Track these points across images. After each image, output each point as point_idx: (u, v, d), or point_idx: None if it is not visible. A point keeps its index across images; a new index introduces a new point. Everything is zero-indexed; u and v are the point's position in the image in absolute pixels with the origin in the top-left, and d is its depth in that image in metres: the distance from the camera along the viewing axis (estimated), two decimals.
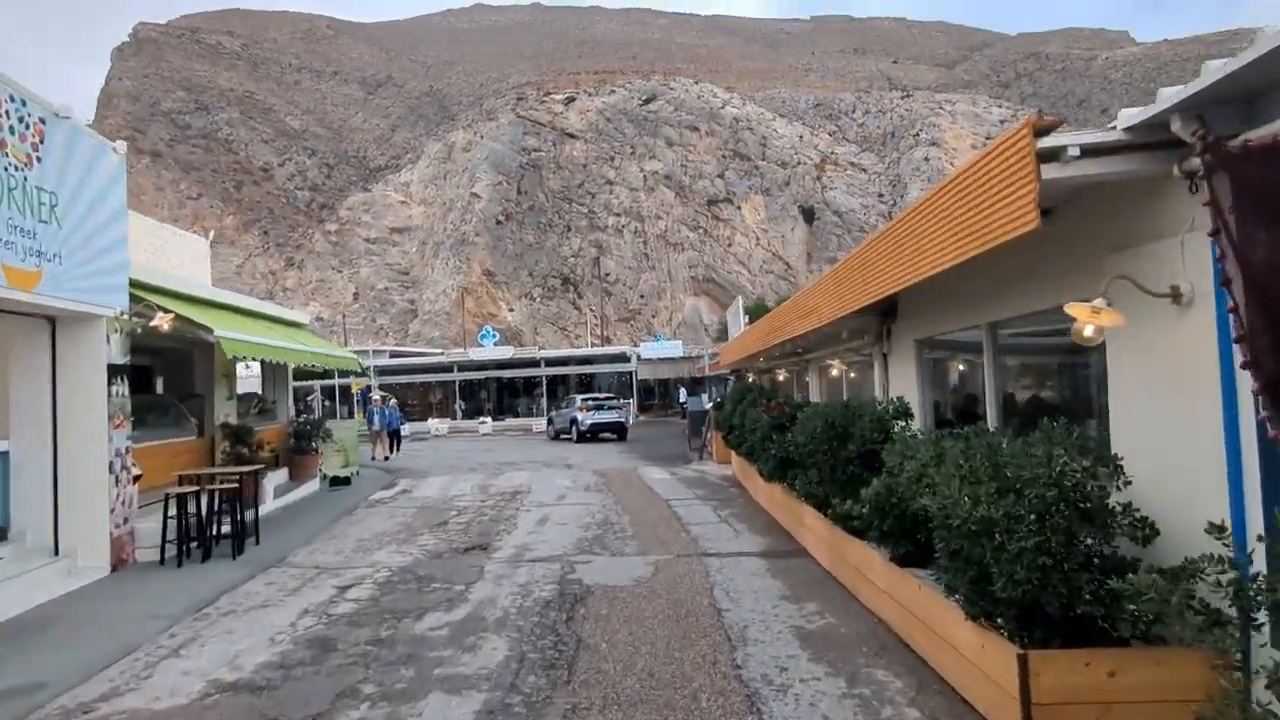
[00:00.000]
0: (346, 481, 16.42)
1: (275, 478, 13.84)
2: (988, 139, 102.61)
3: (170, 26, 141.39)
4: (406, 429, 35.81)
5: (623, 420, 28.28)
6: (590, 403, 28.43)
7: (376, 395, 22.45)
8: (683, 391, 34.29)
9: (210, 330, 9.43)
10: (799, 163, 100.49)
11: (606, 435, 27.93)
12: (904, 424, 6.98)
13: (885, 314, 8.98)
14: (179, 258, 14.98)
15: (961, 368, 8.32)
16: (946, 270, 5.01)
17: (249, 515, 9.82)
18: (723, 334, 51.69)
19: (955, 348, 8.54)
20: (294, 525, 11.32)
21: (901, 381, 8.71)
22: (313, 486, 15.52)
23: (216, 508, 9.17)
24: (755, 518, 10.97)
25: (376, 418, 22.25)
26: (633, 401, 38.62)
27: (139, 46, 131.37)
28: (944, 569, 4.46)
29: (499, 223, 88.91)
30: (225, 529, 9.15)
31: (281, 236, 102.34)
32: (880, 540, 5.99)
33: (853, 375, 10.45)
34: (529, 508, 12.61)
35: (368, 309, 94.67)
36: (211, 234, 20.18)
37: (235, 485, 9.16)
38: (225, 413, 12.66)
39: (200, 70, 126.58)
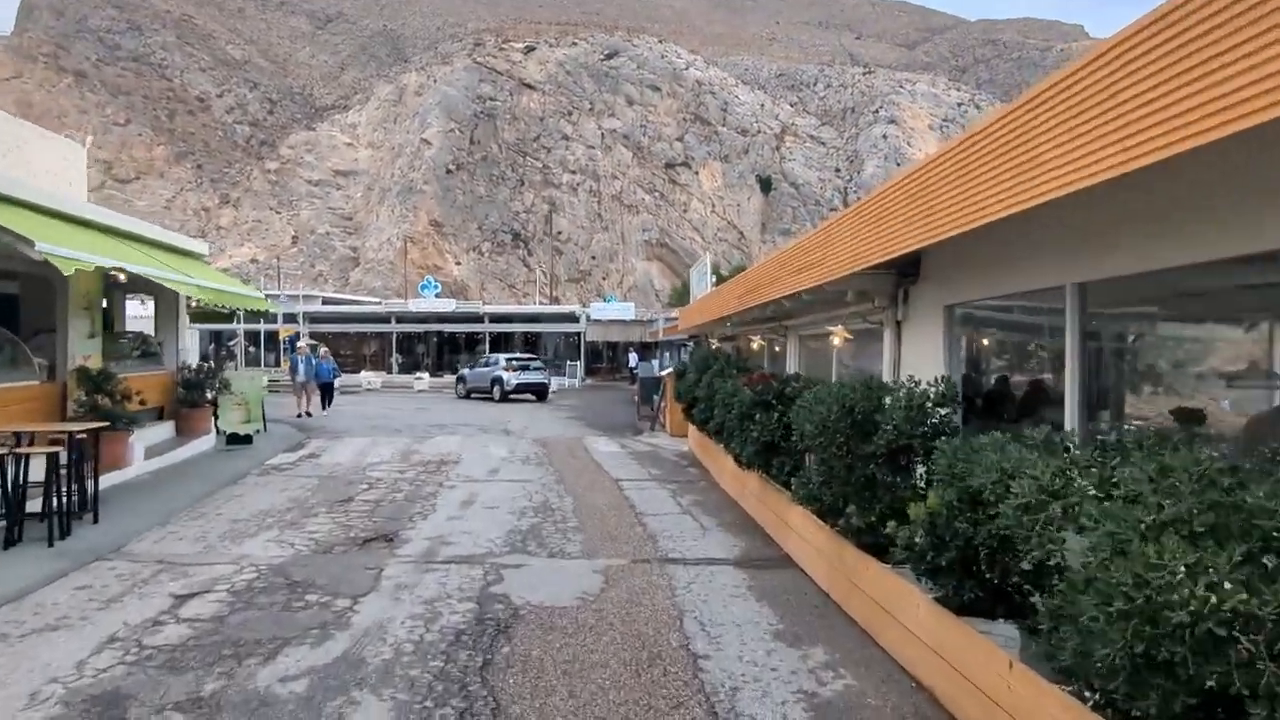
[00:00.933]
0: (247, 440, 14.14)
1: (152, 434, 11.56)
2: (945, 121, 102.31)
3: None
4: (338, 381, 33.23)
5: (545, 382, 28.28)
6: (515, 363, 28.04)
7: (303, 343, 19.94)
8: (633, 356, 32.44)
9: (31, 243, 7.10)
10: (759, 131, 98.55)
11: (527, 396, 27.70)
12: (947, 412, 5.20)
13: (903, 273, 7.19)
14: (44, 164, 12.35)
15: (1006, 343, 6.58)
16: (1054, 201, 3.22)
17: (91, 485, 7.63)
18: (678, 299, 49.86)
19: (1003, 323, 6.81)
20: (157, 497, 9.13)
21: (920, 358, 6.95)
22: (204, 445, 13.24)
23: (52, 474, 6.96)
24: (724, 510, 9.21)
25: (301, 367, 19.84)
26: (580, 364, 36.67)
27: None
28: (1104, 672, 2.65)
29: (449, 172, 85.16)
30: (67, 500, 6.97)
31: (217, 172, 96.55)
32: (931, 575, 4.21)
33: (846, 346, 8.69)
34: (455, 483, 10.62)
35: (307, 254, 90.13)
36: (89, 139, 17.32)
37: (57, 448, 6.92)
38: (84, 354, 10.28)
39: None
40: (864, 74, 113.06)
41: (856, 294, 7.73)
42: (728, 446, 9.59)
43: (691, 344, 21.32)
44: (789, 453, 7.51)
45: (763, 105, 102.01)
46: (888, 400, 5.47)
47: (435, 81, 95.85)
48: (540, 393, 27.97)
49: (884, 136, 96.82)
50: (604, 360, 42.20)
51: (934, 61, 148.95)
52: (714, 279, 15.55)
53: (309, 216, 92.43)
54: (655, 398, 20.98)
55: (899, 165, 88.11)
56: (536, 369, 28.52)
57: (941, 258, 6.57)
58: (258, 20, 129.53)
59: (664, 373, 17.71)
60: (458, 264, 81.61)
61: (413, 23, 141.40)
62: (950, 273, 6.54)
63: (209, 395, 13.81)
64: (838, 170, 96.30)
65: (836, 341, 7.96)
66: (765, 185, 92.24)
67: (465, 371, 29.90)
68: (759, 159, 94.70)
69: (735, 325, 14.09)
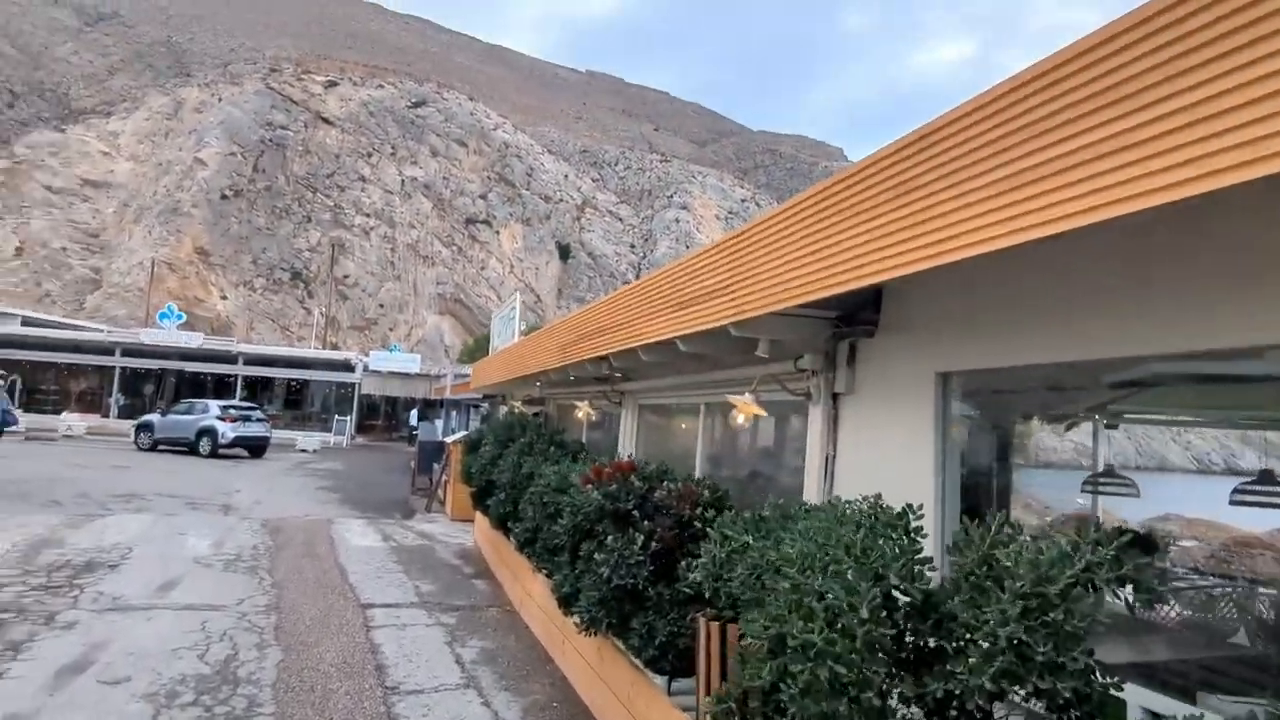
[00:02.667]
0: None
1: None
2: (730, 214, 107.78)
3: None
4: (20, 424, 25.48)
5: (266, 436, 23.57)
6: (234, 411, 22.87)
7: None
8: (413, 415, 27.77)
9: None
10: (561, 200, 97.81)
11: (239, 452, 22.77)
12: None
13: (846, 318, 4.31)
14: None
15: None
16: None
17: None
18: (470, 357, 45.54)
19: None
20: None
21: (879, 454, 4.04)
22: None
23: None
24: (532, 674, 5.65)
25: None
26: (351, 419, 31.16)
27: None
28: None
29: (225, 198, 75.32)
30: None
31: None
32: None
33: (734, 425, 5.71)
34: (80, 614, 6.17)
35: (34, 269, 75.15)
36: None
37: None
38: None
39: None
40: (661, 161, 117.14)
41: (772, 348, 4.71)
42: (545, 571, 6.14)
43: (486, 405, 17.64)
44: (661, 610, 4.24)
45: (566, 176, 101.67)
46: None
47: (220, 100, 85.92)
48: (258, 449, 23.06)
49: (676, 220, 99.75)
50: (381, 416, 36.82)
51: (720, 160, 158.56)
52: (523, 327, 12.20)
53: (42, 228, 77.54)
54: (436, 467, 16.95)
55: (688, 248, 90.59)
56: (259, 420, 23.44)
57: (920, 295, 3.76)
58: (9, 4, 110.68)
59: (450, 439, 13.83)
60: (224, 298, 71.44)
61: (201, 39, 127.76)
62: (938, 322, 3.71)
63: None
64: (633, 246, 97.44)
65: (741, 419, 4.87)
66: (564, 253, 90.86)
67: (153, 418, 23.59)
68: (559, 226, 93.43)
69: (548, 386, 10.75)
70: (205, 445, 21.30)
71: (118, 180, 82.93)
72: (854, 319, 4.25)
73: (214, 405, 22.12)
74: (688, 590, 4.09)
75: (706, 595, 4.10)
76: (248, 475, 17.73)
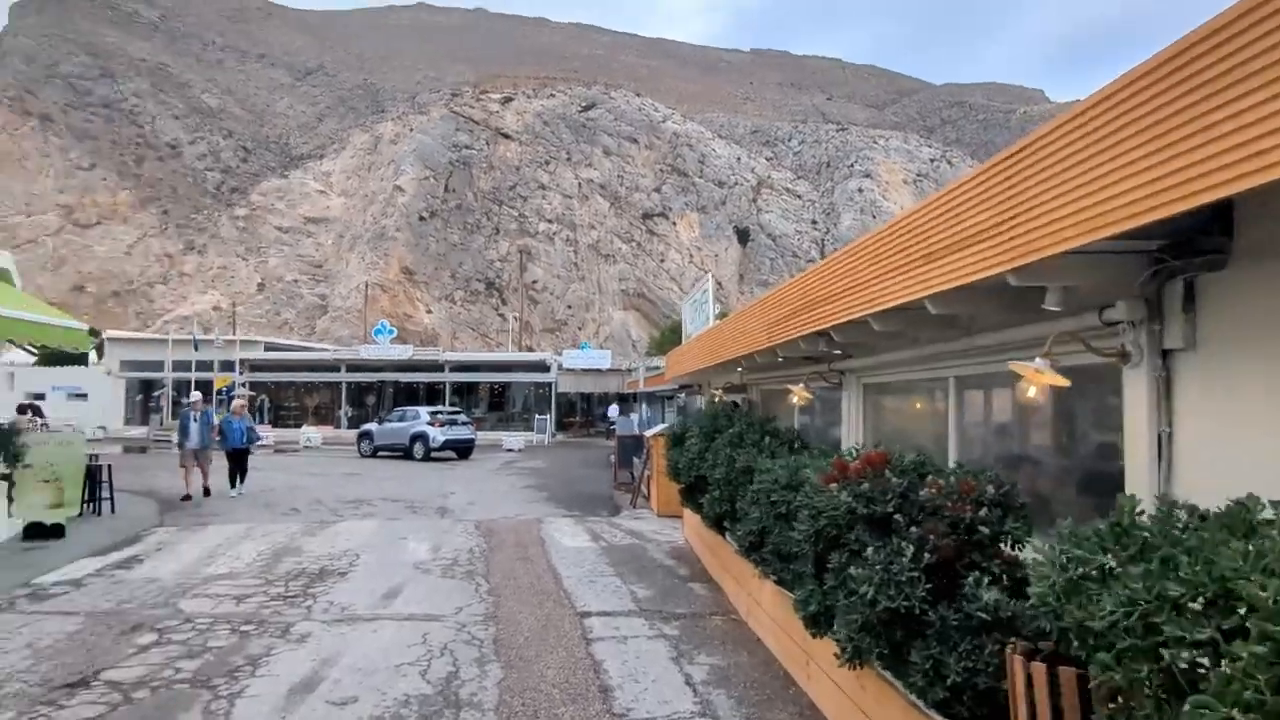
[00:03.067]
0: (56, 532, 9.61)
1: None
2: (919, 176, 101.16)
3: None
4: (269, 437, 28.55)
5: (472, 439, 24.98)
6: (441, 416, 24.26)
7: (196, 395, 15.08)
8: (612, 409, 28.08)
9: None
10: (736, 183, 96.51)
11: (449, 455, 24.22)
12: None
13: (1174, 248, 3.11)
14: None
15: None
16: None
17: None
18: (657, 349, 45.83)
19: None
20: None
21: (1252, 431, 2.82)
22: None
23: None
24: (774, 699, 4.90)
25: (193, 430, 13.81)
26: (551, 418, 32.20)
27: (41, 4, 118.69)
28: None
29: (423, 219, 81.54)
30: None
31: (183, 218, 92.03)
32: None
33: (1023, 400, 4.61)
34: (313, 626, 6.23)
35: (273, 301, 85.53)
36: None
37: None
38: None
39: (110, 37, 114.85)
40: (838, 130, 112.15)
41: (1061, 297, 3.59)
42: (773, 578, 5.36)
43: (683, 396, 17.17)
44: (946, 639, 3.31)
45: (739, 159, 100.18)
46: None
47: (411, 130, 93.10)
48: (465, 451, 24.29)
49: (859, 190, 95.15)
50: (578, 413, 37.83)
51: (902, 122, 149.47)
52: (717, 308, 11.50)
53: (277, 264, 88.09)
54: (636, 461, 16.71)
55: (875, 218, 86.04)
56: (464, 424, 24.82)
57: None
58: (236, 71, 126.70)
59: (648, 432, 13.45)
60: (429, 312, 77.42)
61: (392, 77, 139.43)
62: None
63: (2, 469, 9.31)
64: (814, 223, 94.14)
65: (1032, 391, 3.79)
66: (743, 236, 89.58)
67: (372, 426, 25.66)
68: (736, 210, 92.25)
69: (751, 370, 9.95)
70: (419, 450, 22.72)
71: (333, 215, 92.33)
72: (1187, 248, 3.07)
73: (424, 412, 23.58)
74: (982, 615, 3.16)
75: (1006, 618, 3.14)
76: (460, 477, 18.48)
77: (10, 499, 9.60)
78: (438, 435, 22.67)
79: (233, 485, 14.24)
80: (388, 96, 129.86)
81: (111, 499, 11.98)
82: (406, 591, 7.43)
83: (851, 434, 6.87)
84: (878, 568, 3.51)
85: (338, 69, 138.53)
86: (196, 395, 14.33)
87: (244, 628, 6.19)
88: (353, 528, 10.99)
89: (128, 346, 35.48)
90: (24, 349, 13.85)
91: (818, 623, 4.16)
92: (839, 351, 6.68)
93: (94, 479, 11.90)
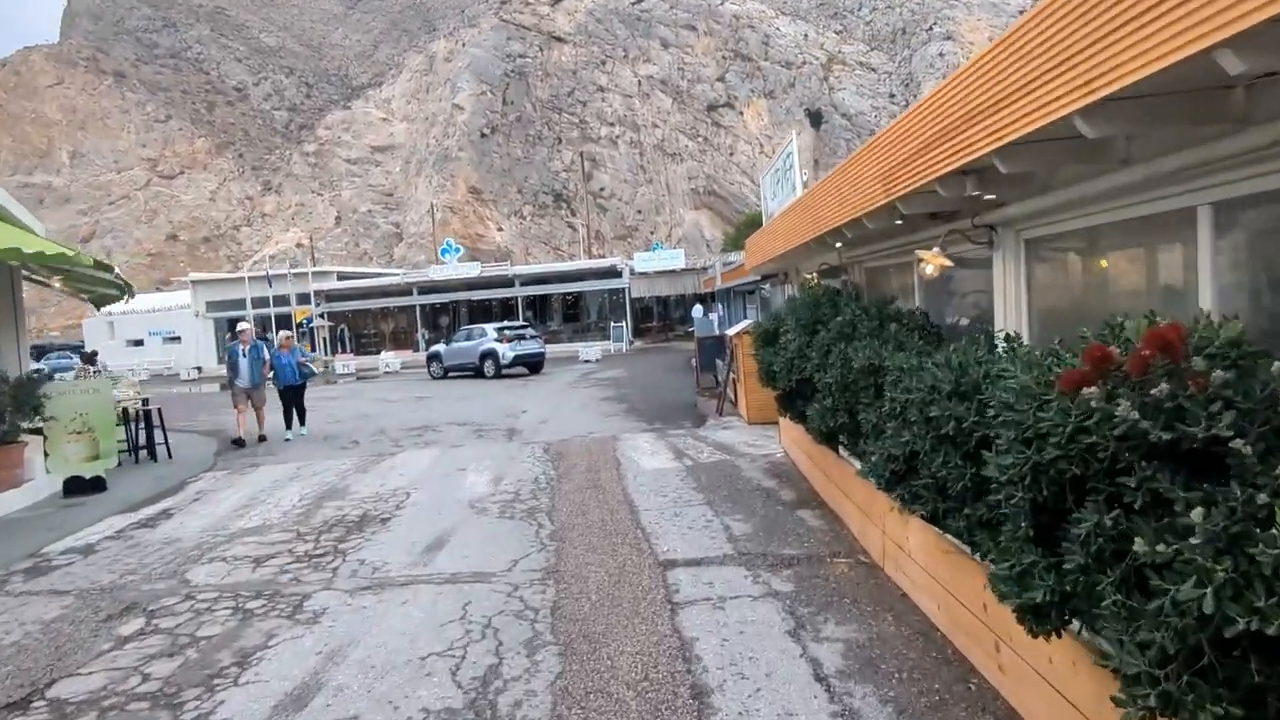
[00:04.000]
0: (96, 485, 8.76)
1: None
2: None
3: None
4: (351, 365, 28.15)
5: (542, 353, 23.68)
6: (509, 332, 22.94)
7: (245, 326, 13.08)
8: (696, 309, 26.29)
9: None
10: (804, 63, 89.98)
11: (521, 371, 23.03)
12: None
13: None
14: None
15: None
16: None
17: None
18: (733, 245, 43.42)
19: None
20: None
21: None
22: (16, 501, 7.92)
23: None
24: (951, 708, 3.28)
25: (243, 366, 12.19)
26: (626, 324, 30.66)
27: None
28: None
29: (484, 136, 79.57)
30: None
31: (258, 159, 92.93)
32: None
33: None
34: (337, 590, 4.94)
35: (350, 233, 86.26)
36: None
37: None
38: None
39: None
40: None
41: None
42: (921, 514, 3.66)
43: (767, 287, 15.23)
44: None
45: (806, 36, 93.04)
46: None
47: (464, 45, 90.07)
48: (535, 366, 23.15)
49: (940, 55, 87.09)
50: (655, 318, 36.22)
51: None
52: (805, 176, 9.44)
53: (350, 196, 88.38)
54: (720, 363, 15.05)
55: None
56: (533, 338, 23.51)
57: None
58: (289, 6, 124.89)
59: (730, 331, 11.66)
60: (499, 230, 76.44)
61: None
62: None
63: (25, 423, 8.41)
64: (892, 96, 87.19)
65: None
66: (815, 119, 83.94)
67: (440, 348, 24.54)
68: (806, 92, 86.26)
69: (853, 245, 7.97)
70: (489, 368, 21.69)
71: (398, 141, 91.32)
72: None
73: (490, 329, 22.44)
74: None
75: None
76: (534, 394, 17.26)
77: (46, 454, 8.75)
78: (506, 352, 21.52)
79: (288, 426, 12.58)
80: (438, 15, 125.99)
81: (166, 443, 11.18)
82: (454, 540, 6.09)
83: (1009, 313, 4.92)
84: (1216, 544, 1.73)
85: None
86: (244, 326, 12.94)
87: (250, 604, 4.93)
88: (410, 460, 9.80)
89: (211, 287, 35.67)
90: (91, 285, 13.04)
91: (1044, 615, 2.45)
92: (989, 197, 4.67)
93: (147, 424, 11.11)
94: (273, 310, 31.17)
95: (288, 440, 12.25)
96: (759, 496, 6.88)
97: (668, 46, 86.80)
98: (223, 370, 34.85)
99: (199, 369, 34.18)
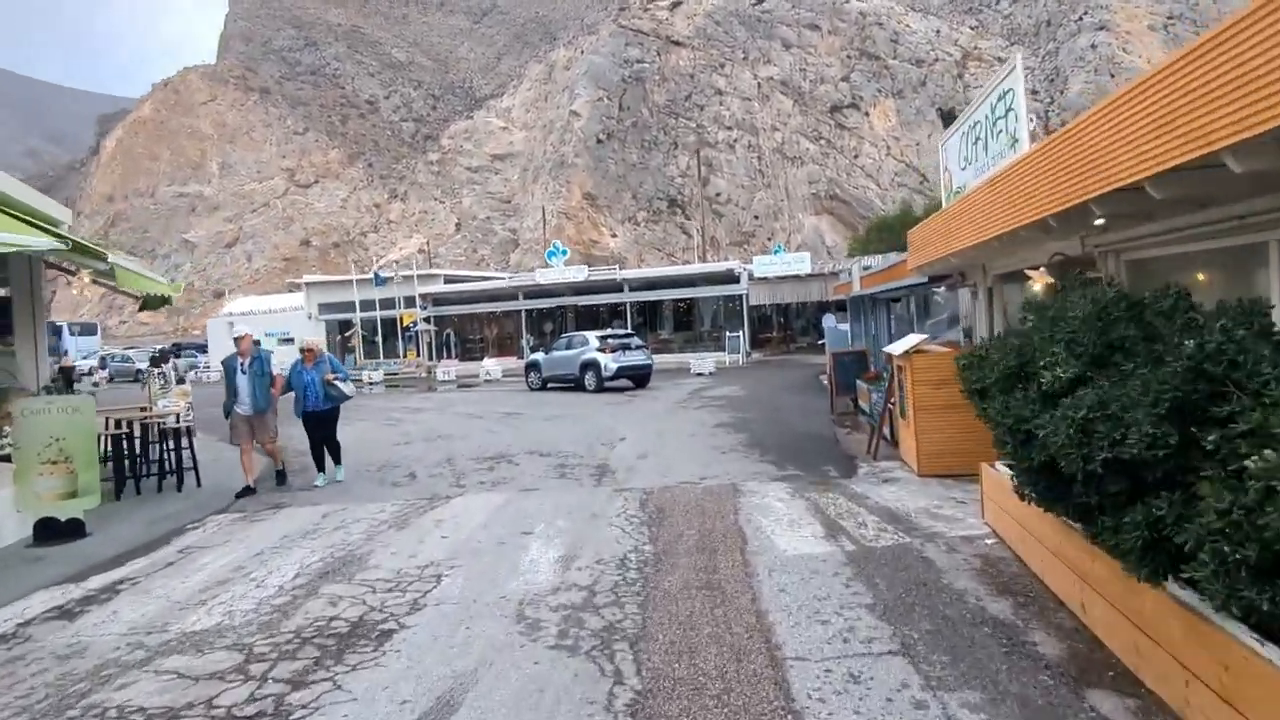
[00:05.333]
0: (73, 529, 6.82)
1: None
2: (1170, 19, 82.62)
3: None
4: (452, 372, 26.57)
5: (649, 364, 20.97)
6: (613, 341, 20.34)
7: (241, 329, 9.37)
8: (829, 318, 23.02)
9: None
10: (936, 60, 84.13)
11: (625, 384, 20.47)
12: None
13: None
14: None
15: None
16: None
17: None
18: (861, 250, 39.68)
19: None
20: None
21: None
22: None
23: None
24: None
25: (241, 386, 8.77)
26: (744, 334, 27.67)
27: None
28: None
29: (600, 142, 78.50)
30: None
31: (385, 168, 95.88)
32: None
33: None
34: None
35: (470, 239, 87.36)
36: None
37: None
38: None
39: (310, 8, 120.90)
40: None
41: None
42: None
43: (943, 291, 12.02)
44: None
45: (938, 32, 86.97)
46: None
47: (582, 52, 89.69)
48: (641, 379, 20.52)
49: (1092, 46, 79.19)
50: (774, 327, 33.04)
51: None
52: (1029, 138, 6.38)
53: (470, 203, 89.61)
54: (864, 386, 12.07)
55: (1114, 78, 71.32)
56: (639, 347, 20.72)
57: None
58: (420, 23, 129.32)
59: (895, 349, 8.63)
60: (614, 236, 75.01)
61: (562, 6, 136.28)
62: None
63: None
64: (1035, 92, 79.86)
65: None
66: (948, 118, 77.90)
67: (539, 356, 22.07)
68: (939, 90, 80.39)
69: (1125, 220, 4.91)
70: (589, 380, 19.32)
71: (516, 149, 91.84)
72: None
73: (592, 337, 20.02)
74: None
75: None
76: (635, 414, 14.70)
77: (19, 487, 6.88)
78: (609, 363, 19.06)
79: (320, 468, 9.18)
80: (559, 26, 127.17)
81: (196, 469, 9.30)
82: (472, 700, 3.53)
83: None
84: None
85: (511, 6, 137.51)
86: (242, 330, 9.08)
87: None
88: (465, 510, 7.38)
89: (323, 289, 35.41)
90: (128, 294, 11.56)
91: None
92: None
93: (176, 443, 9.27)
94: (379, 313, 30.19)
95: (317, 487, 8.98)
96: (993, 644, 3.93)
97: (789, 47, 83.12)
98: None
99: None
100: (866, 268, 17.58)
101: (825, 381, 18.64)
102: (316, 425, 9.12)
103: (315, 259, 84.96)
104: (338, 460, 9.44)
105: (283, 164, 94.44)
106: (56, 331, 43.83)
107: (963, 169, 7.62)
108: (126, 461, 8.87)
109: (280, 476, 9.25)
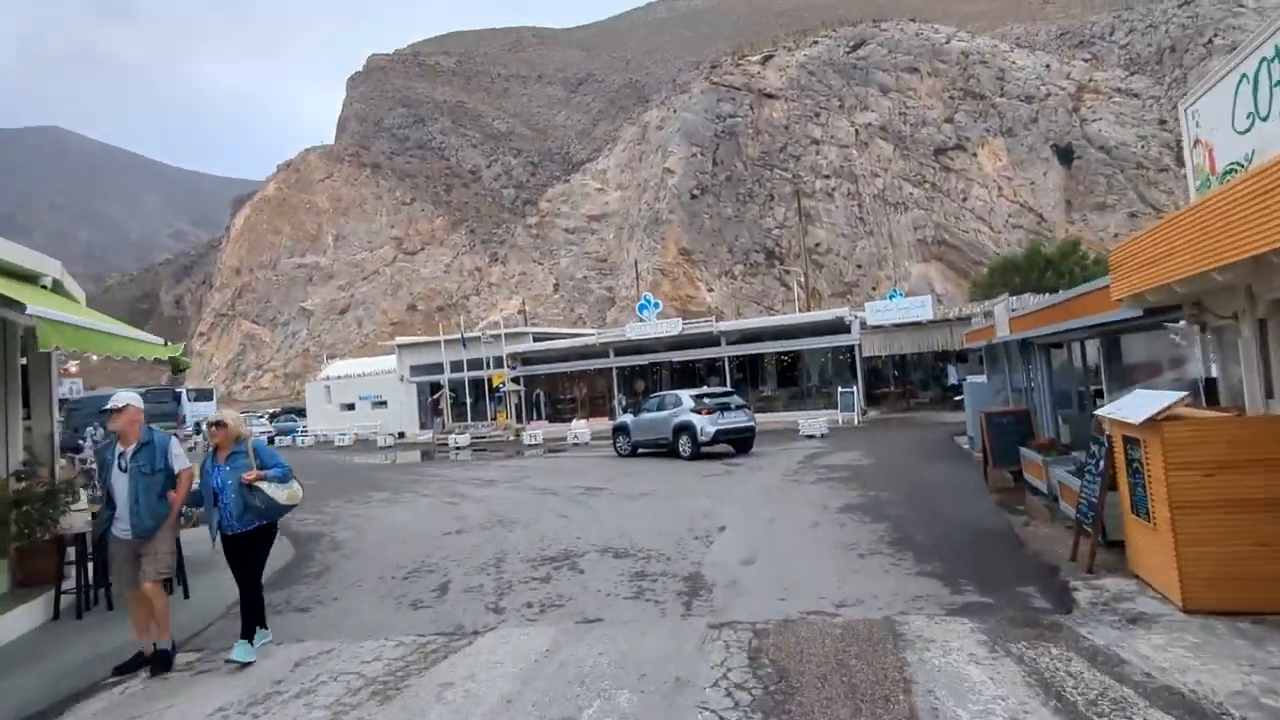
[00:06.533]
0: None
1: None
2: None
3: (397, 54, 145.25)
4: (539, 435, 24.63)
5: (752, 426, 17.89)
6: (709, 401, 17.56)
7: (123, 397, 5.38)
8: (951, 370, 19.70)
9: None
10: (1047, 95, 79.26)
11: (725, 449, 17.68)
12: None
13: None
14: None
15: None
16: None
17: None
18: (982, 293, 35.94)
19: None
20: None
21: None
22: None
23: None
24: None
25: (119, 489, 5.27)
26: (857, 390, 24.49)
27: (369, 74, 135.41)
28: None
29: (694, 197, 77.40)
30: None
31: (486, 233, 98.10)
32: None
33: None
34: None
35: (567, 299, 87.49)
36: None
37: None
38: None
39: (419, 88, 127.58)
40: (1180, 4, 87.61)
41: None
42: None
43: (1181, 330, 9.00)
44: None
45: (1048, 66, 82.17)
46: None
47: (675, 111, 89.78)
48: (743, 443, 17.66)
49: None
50: (889, 381, 29.63)
51: None
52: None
53: (567, 263, 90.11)
54: (1043, 461, 9.12)
55: None
56: (739, 407, 17.82)
57: None
58: (520, 95, 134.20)
59: (1126, 410, 5.81)
60: (710, 290, 72.97)
61: (655, 71, 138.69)
62: None
63: None
64: (1163, 122, 73.64)
65: None
66: (1064, 155, 72.65)
67: (627, 419, 19.52)
68: (1052, 126, 75.30)
69: None
70: (684, 445, 16.72)
71: (611, 209, 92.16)
72: None
73: (685, 396, 17.43)
74: None
75: None
76: (738, 490, 12.06)
77: None
78: (707, 426, 16.43)
79: (247, 631, 5.43)
80: (652, 89, 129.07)
81: (184, 582, 7.36)
82: None
83: None
84: None
85: (605, 74, 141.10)
86: (122, 400, 5.36)
87: None
88: (492, 662, 5.00)
89: (414, 351, 34.71)
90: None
91: None
92: None
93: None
94: (466, 374, 28.86)
95: (234, 662, 5.23)
96: None
97: (887, 92, 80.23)
98: (422, 436, 32.76)
99: (401, 434, 32.89)
100: (1014, 310, 14.46)
101: (965, 444, 15.43)
102: (232, 555, 5.48)
103: (420, 323, 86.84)
104: (256, 620, 5.53)
105: (391, 233, 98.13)
106: (176, 397, 45.12)
107: (1245, 130, 4.90)
108: (90, 568, 6.99)
109: (160, 660, 5.28)
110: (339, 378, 38.25)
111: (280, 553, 9.07)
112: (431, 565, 7.96)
